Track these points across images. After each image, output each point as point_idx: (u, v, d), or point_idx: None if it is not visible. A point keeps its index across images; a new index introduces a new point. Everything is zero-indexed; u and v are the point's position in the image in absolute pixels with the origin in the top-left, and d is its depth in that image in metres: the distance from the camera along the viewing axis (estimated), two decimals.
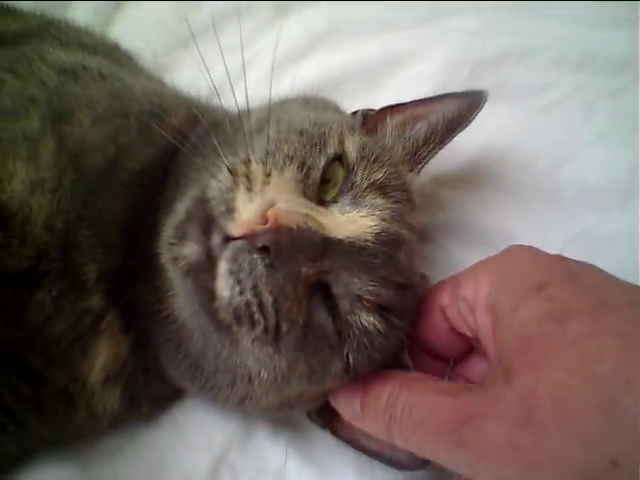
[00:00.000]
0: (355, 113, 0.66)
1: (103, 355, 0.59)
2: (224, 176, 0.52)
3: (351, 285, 0.52)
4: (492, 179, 0.74)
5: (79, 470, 0.63)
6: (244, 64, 0.59)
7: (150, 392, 0.63)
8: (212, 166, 0.53)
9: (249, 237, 0.49)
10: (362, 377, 0.54)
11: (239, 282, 0.49)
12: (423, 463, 0.56)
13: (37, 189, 0.55)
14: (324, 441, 0.65)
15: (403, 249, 0.55)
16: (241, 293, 0.49)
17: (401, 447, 0.52)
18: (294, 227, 0.49)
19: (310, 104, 0.66)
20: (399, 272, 0.54)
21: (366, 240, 0.53)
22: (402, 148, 0.63)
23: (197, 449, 0.64)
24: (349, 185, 0.55)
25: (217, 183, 0.52)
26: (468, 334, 0.55)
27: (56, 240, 0.55)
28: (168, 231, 0.52)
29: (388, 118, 0.64)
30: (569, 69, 0.79)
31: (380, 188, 0.56)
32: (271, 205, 0.50)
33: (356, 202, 0.55)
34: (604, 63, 0.80)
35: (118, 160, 0.58)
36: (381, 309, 0.52)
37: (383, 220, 0.54)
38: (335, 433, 0.60)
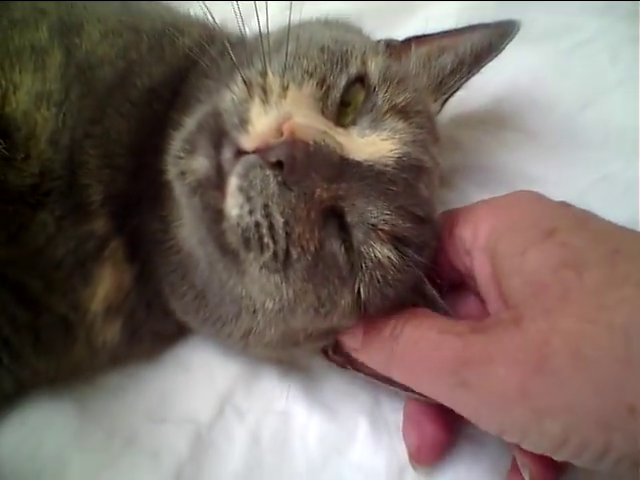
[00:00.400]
0: (378, 42, 0.62)
1: (106, 284, 0.56)
2: (239, 88, 0.49)
3: (366, 213, 0.49)
4: (514, 120, 0.72)
5: (77, 407, 0.60)
6: None
7: (152, 327, 0.61)
8: (227, 80, 0.50)
9: (262, 151, 0.46)
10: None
11: (249, 200, 0.46)
12: None
13: (43, 102, 0.52)
14: (334, 386, 0.63)
15: (423, 179, 0.53)
16: (251, 213, 0.46)
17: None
18: (311, 142, 0.46)
19: (332, 25, 0.63)
20: (418, 203, 0.52)
21: (386, 165, 0.50)
22: (427, 77, 0.60)
23: (202, 389, 0.62)
24: (369, 107, 0.52)
25: (231, 95, 0.49)
26: (462, 271, 0.54)
27: (61, 157, 0.52)
28: (176, 144, 0.49)
29: (413, 48, 0.61)
30: (593, 14, 0.78)
31: (402, 112, 0.53)
32: (287, 119, 0.47)
33: (376, 125, 0.52)
34: (626, 11, 0.79)
35: (127, 76, 0.55)
36: (396, 241, 0.50)
37: (404, 144, 0.52)
38: (358, 369, 0.58)
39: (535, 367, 0.44)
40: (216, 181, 0.47)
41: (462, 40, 0.61)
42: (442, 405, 0.54)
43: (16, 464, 0.58)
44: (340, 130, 0.51)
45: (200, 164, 0.47)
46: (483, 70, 0.62)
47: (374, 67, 0.54)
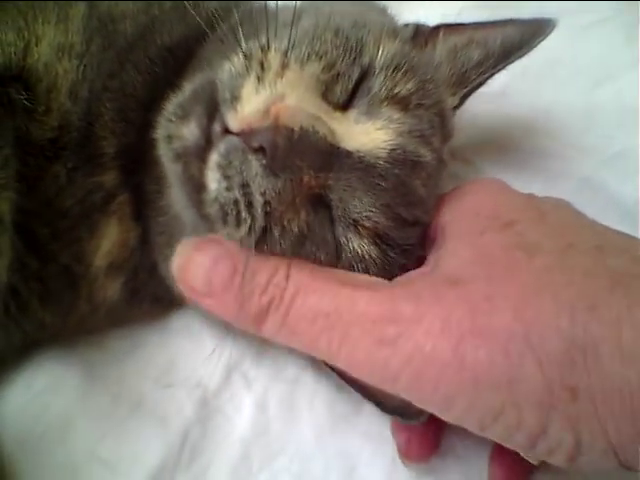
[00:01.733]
0: (407, 26, 0.60)
1: (111, 238, 0.56)
2: (238, 60, 0.47)
3: (350, 207, 0.47)
4: (530, 96, 0.71)
5: (84, 372, 0.60)
6: None
7: (153, 291, 0.60)
8: (232, 50, 0.49)
9: (246, 134, 0.44)
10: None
11: (227, 178, 0.44)
12: (419, 413, 0.50)
13: (64, 54, 0.52)
14: None
15: (420, 175, 0.50)
16: (228, 190, 0.44)
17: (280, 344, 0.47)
18: (297, 128, 0.44)
19: (355, 3, 0.62)
20: (409, 203, 0.49)
21: (378, 157, 0.48)
22: (450, 68, 0.58)
23: (209, 355, 0.61)
24: (365, 90, 0.50)
25: (229, 65, 0.47)
26: None
27: (79, 109, 0.53)
28: (170, 107, 0.47)
29: (441, 35, 0.59)
30: None
31: (402, 102, 0.50)
32: (278, 101, 0.45)
33: (372, 112, 0.49)
34: None
35: (148, 32, 0.55)
36: (378, 238, 0.48)
37: (400, 135, 0.49)
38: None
39: (474, 329, 0.40)
40: (201, 151, 0.45)
41: (493, 33, 0.58)
42: None
43: (21, 426, 0.58)
44: (337, 115, 0.49)
45: (190, 132, 0.45)
46: None
47: (383, 52, 0.51)
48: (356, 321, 0.43)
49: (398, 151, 0.48)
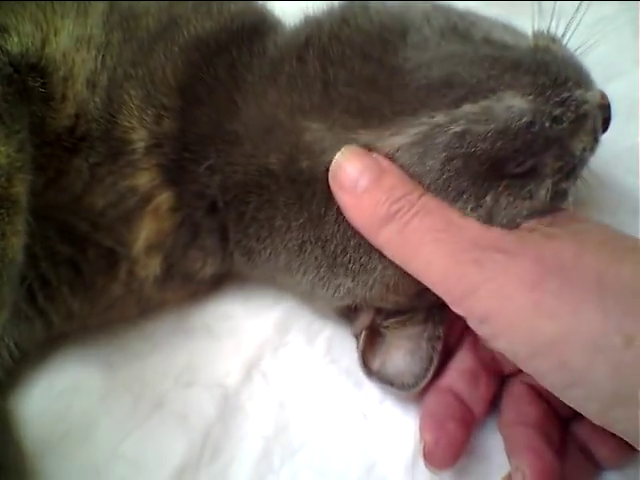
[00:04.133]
0: None
1: (147, 230, 0.56)
2: None
3: None
4: None
5: (106, 373, 0.61)
6: None
7: (185, 268, 0.60)
8: None
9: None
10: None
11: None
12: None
13: (83, 44, 0.52)
14: None
15: None
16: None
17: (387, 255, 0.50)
18: None
19: None
20: None
21: None
22: None
23: (229, 355, 0.62)
24: None
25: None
26: None
27: (98, 98, 0.52)
28: (575, 75, 0.53)
29: None
30: None
31: None
32: None
33: None
34: None
35: (173, 26, 0.55)
36: None
37: None
38: None
39: (557, 269, 0.44)
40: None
41: None
42: (464, 403, 0.55)
43: (43, 426, 0.59)
44: None
45: (594, 96, 0.55)
46: None
47: None
48: (461, 241, 0.47)
49: None
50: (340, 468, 0.58)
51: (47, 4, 0.53)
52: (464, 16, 0.56)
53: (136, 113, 0.53)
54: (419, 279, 0.49)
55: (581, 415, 0.45)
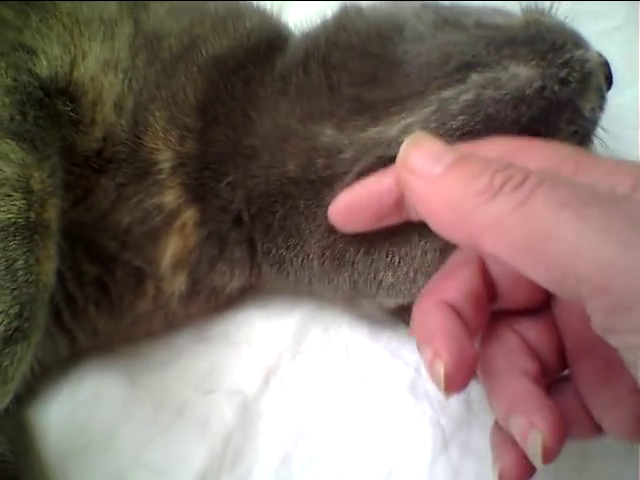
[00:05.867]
0: None
1: (173, 246, 0.58)
2: None
3: None
4: None
5: (127, 381, 0.62)
6: None
7: (211, 283, 0.61)
8: None
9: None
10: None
11: None
12: None
13: (110, 68, 0.54)
14: (374, 359, 0.64)
15: None
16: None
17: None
18: None
19: None
20: None
21: None
22: None
23: (248, 363, 0.63)
24: None
25: None
26: None
27: (124, 121, 0.54)
28: (571, 37, 0.54)
29: None
30: None
31: None
32: None
33: None
34: None
35: (193, 46, 0.57)
36: None
37: None
38: None
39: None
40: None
41: None
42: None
43: (66, 436, 0.60)
44: None
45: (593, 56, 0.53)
46: None
47: None
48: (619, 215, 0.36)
49: None
50: (359, 474, 0.58)
51: (74, 25, 0.54)
52: (452, 8, 0.57)
53: (161, 135, 0.55)
54: (552, 267, 0.36)
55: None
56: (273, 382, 0.62)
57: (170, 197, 0.56)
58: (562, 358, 0.46)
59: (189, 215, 0.57)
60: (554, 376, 0.48)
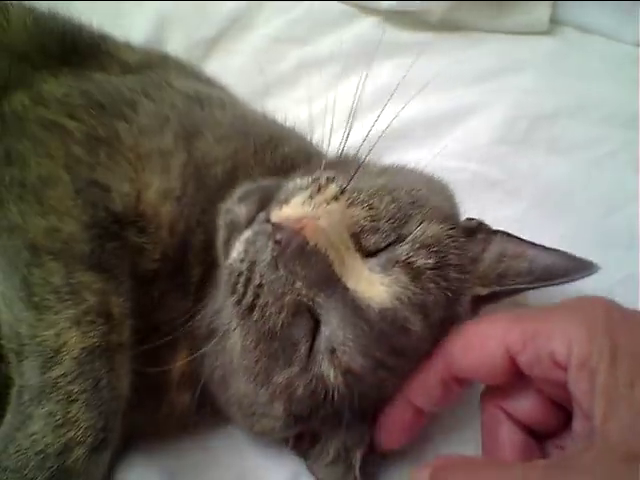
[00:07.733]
0: (471, 220, 0.66)
1: (183, 354, 0.63)
2: (307, 180, 0.57)
3: (334, 332, 0.53)
4: (549, 224, 0.80)
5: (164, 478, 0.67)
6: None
7: (213, 402, 0.65)
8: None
9: (276, 227, 0.53)
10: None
11: (245, 252, 0.54)
12: None
13: (167, 198, 0.61)
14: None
15: (406, 338, 0.55)
16: (241, 261, 0.54)
17: None
18: (311, 243, 0.52)
19: (429, 183, 0.68)
20: (387, 352, 0.55)
21: (369, 307, 0.53)
22: (491, 266, 0.63)
23: (274, 468, 0.68)
24: (391, 250, 0.56)
25: (300, 181, 0.57)
26: (554, 395, 0.54)
27: (175, 242, 0.61)
28: (239, 191, 0.59)
29: (498, 238, 0.64)
30: (618, 125, 0.88)
31: (413, 271, 0.55)
32: (313, 218, 0.53)
33: (386, 268, 0.55)
34: None
35: (233, 175, 0.64)
36: (348, 374, 0.54)
37: (398, 299, 0.54)
38: None
39: None
40: (241, 227, 0.56)
41: (543, 255, 0.62)
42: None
43: None
44: (358, 256, 0.56)
45: (241, 210, 0.56)
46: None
47: (421, 230, 0.57)
48: None
49: (389, 312, 0.54)
50: None
51: (137, 161, 0.61)
52: None
53: (199, 255, 0.63)
54: None
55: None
56: None
57: (188, 302, 0.63)
58: None
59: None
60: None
